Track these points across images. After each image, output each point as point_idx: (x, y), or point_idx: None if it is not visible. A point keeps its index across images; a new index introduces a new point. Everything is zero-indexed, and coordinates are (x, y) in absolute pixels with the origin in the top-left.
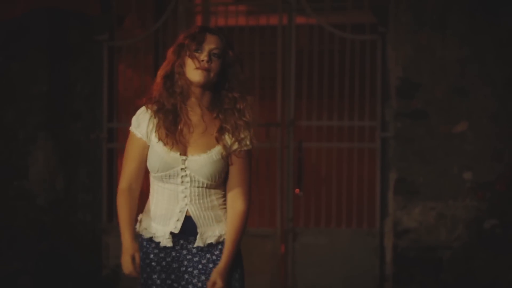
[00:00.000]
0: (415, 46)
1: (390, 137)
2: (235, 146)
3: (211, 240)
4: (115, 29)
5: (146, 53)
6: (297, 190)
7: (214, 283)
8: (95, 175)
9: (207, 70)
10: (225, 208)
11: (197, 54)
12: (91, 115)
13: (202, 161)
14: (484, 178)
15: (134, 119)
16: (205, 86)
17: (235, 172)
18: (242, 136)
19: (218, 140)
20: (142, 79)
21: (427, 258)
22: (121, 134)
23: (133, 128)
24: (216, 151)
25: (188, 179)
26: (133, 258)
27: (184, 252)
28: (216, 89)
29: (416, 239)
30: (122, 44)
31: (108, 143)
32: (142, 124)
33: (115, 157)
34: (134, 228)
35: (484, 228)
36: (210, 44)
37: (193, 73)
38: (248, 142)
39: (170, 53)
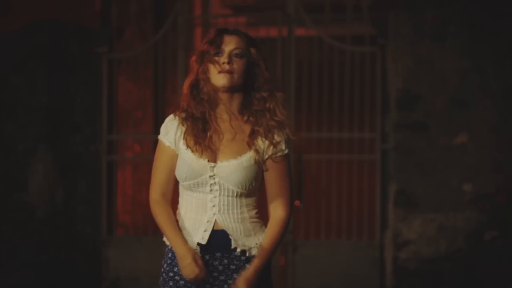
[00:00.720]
0: (415, 58)
1: (390, 149)
2: (270, 151)
3: (244, 248)
4: (114, 41)
5: (146, 65)
6: (297, 202)
7: None
8: (95, 187)
9: (229, 72)
10: (257, 221)
11: (217, 58)
12: (91, 127)
13: (231, 167)
14: (484, 190)
15: (162, 128)
16: (231, 90)
17: (273, 179)
18: (276, 139)
19: (249, 144)
20: (142, 91)
21: (427, 270)
22: (120, 146)
23: (161, 136)
24: (247, 157)
25: (217, 187)
26: (195, 261)
27: (210, 268)
28: (245, 91)
29: (416, 251)
30: (121, 56)
31: (107, 155)
32: (170, 131)
33: (114, 169)
34: (181, 233)
35: (484, 239)
36: (230, 45)
37: (216, 77)
38: (284, 146)
39: (193, 62)
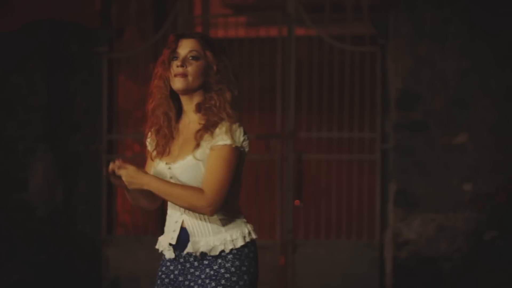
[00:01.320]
0: (415, 58)
1: (389, 148)
2: (211, 142)
3: (204, 249)
4: (114, 41)
5: (146, 65)
6: (297, 202)
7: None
8: (95, 186)
9: (183, 76)
10: (225, 218)
11: (173, 62)
12: (91, 127)
13: (183, 166)
14: (484, 190)
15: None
16: (188, 92)
17: (206, 169)
18: (218, 131)
19: (196, 140)
20: (142, 91)
21: (427, 269)
22: (120, 145)
23: (147, 142)
24: (198, 153)
25: None
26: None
27: (188, 265)
28: (205, 90)
29: (416, 250)
30: (121, 56)
31: (107, 155)
32: (148, 139)
33: None
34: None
35: (484, 239)
36: (185, 48)
37: (173, 81)
38: (225, 136)
39: (156, 67)
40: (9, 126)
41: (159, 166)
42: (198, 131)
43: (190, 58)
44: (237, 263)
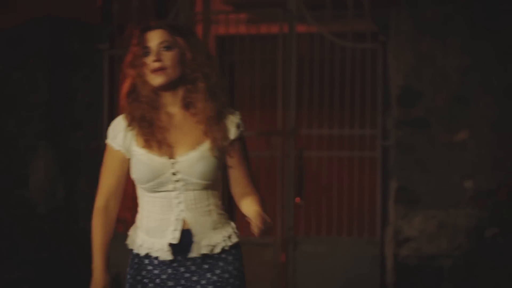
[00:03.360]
0: (416, 55)
1: (391, 145)
2: (229, 136)
3: (206, 250)
4: (115, 37)
5: None
6: (297, 199)
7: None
8: (96, 184)
9: (161, 69)
10: (222, 213)
11: (146, 58)
12: (92, 124)
13: (192, 159)
14: (485, 187)
15: (109, 131)
16: (170, 85)
17: (236, 163)
18: (231, 121)
19: (206, 133)
20: None
21: (428, 267)
22: None
23: (109, 140)
24: (206, 146)
25: (181, 183)
26: None
27: (182, 269)
28: (187, 81)
29: (417, 247)
30: (122, 52)
31: None
32: (119, 135)
33: None
34: (107, 256)
35: (485, 236)
36: (155, 40)
37: (151, 78)
38: (242, 128)
39: (126, 68)
40: (10, 123)
41: (158, 161)
42: (206, 122)
43: (163, 49)
44: (237, 264)
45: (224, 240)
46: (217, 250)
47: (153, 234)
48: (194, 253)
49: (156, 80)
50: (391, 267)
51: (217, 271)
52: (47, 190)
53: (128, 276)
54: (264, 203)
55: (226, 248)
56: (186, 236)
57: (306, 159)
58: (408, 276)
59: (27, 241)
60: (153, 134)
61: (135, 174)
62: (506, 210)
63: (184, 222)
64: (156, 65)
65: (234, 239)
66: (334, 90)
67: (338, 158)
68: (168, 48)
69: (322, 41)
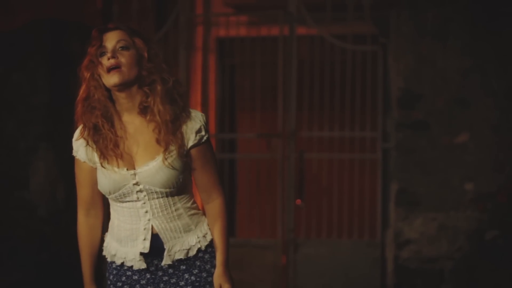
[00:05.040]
0: (416, 57)
1: (391, 148)
2: (187, 141)
3: (180, 255)
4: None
5: None
6: (298, 201)
7: None
8: None
9: (117, 67)
10: (195, 213)
11: (102, 58)
12: None
13: (152, 169)
14: (486, 189)
15: (73, 143)
16: (126, 86)
17: (199, 168)
18: (190, 127)
19: (159, 142)
20: None
21: (428, 269)
22: None
23: (74, 153)
24: (171, 159)
25: (144, 193)
26: None
27: (160, 273)
28: (142, 86)
29: (417, 250)
30: None
31: None
32: (80, 149)
33: None
34: (95, 267)
35: (485, 239)
36: (112, 40)
37: (106, 78)
38: (203, 133)
39: (82, 72)
40: (10, 125)
41: (118, 173)
42: (158, 130)
43: (120, 48)
44: (214, 261)
45: (199, 241)
46: (192, 252)
47: (124, 243)
48: (167, 261)
49: (111, 79)
50: (392, 269)
51: (195, 271)
52: (48, 192)
53: (109, 283)
54: (225, 229)
55: (202, 248)
56: (159, 242)
57: (306, 161)
58: (409, 279)
59: (28, 243)
60: (107, 147)
61: (99, 186)
62: (506, 212)
63: (154, 229)
64: (112, 61)
65: (210, 237)
66: (334, 92)
67: (339, 160)
68: (125, 48)
69: (323, 43)
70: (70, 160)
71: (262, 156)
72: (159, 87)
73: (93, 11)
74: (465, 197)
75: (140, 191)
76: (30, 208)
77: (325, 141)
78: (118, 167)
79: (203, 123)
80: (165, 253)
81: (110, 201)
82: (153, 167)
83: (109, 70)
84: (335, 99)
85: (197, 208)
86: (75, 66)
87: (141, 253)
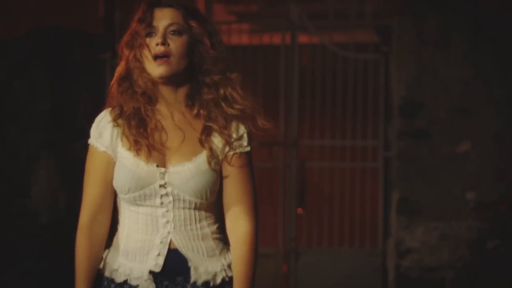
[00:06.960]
0: (418, 66)
1: (392, 156)
2: (228, 149)
3: (207, 277)
4: (118, 47)
5: None
6: (299, 210)
7: None
8: None
9: (165, 56)
10: (220, 238)
11: (149, 39)
12: None
13: (186, 172)
14: (487, 198)
15: (93, 129)
16: (173, 79)
17: (233, 184)
18: (234, 135)
19: (203, 143)
20: None
21: (429, 278)
22: None
23: (93, 140)
24: (204, 158)
25: (170, 198)
26: None
27: None
28: (193, 76)
29: (419, 259)
30: None
31: None
32: (105, 133)
33: None
34: (93, 284)
35: (487, 248)
36: (163, 20)
37: (151, 66)
38: (246, 143)
39: (122, 47)
40: (12, 132)
41: (146, 168)
42: (205, 130)
43: (171, 33)
44: None
45: (223, 270)
46: (218, 280)
47: (132, 257)
48: (194, 278)
49: (157, 70)
50: (393, 278)
51: None
52: (49, 200)
53: None
54: (256, 257)
55: (227, 279)
56: (175, 258)
57: (308, 169)
58: (410, 287)
59: (29, 251)
60: (143, 135)
61: (116, 182)
62: (507, 221)
63: (172, 244)
64: (162, 48)
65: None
66: (336, 101)
67: (340, 169)
68: (177, 32)
69: (324, 51)
70: (71, 168)
71: (263, 164)
72: (234, 76)
73: (95, 19)
74: (466, 206)
75: (166, 195)
76: (31, 216)
77: (327, 150)
78: (148, 161)
79: (248, 132)
80: (192, 270)
81: (123, 204)
82: (188, 170)
83: (156, 57)
84: (336, 108)
85: (222, 234)
86: (77, 73)
87: (151, 272)
